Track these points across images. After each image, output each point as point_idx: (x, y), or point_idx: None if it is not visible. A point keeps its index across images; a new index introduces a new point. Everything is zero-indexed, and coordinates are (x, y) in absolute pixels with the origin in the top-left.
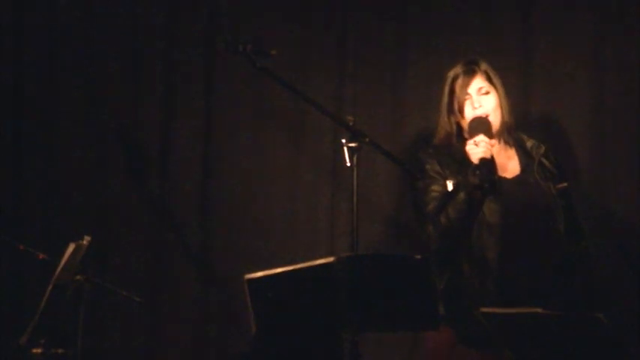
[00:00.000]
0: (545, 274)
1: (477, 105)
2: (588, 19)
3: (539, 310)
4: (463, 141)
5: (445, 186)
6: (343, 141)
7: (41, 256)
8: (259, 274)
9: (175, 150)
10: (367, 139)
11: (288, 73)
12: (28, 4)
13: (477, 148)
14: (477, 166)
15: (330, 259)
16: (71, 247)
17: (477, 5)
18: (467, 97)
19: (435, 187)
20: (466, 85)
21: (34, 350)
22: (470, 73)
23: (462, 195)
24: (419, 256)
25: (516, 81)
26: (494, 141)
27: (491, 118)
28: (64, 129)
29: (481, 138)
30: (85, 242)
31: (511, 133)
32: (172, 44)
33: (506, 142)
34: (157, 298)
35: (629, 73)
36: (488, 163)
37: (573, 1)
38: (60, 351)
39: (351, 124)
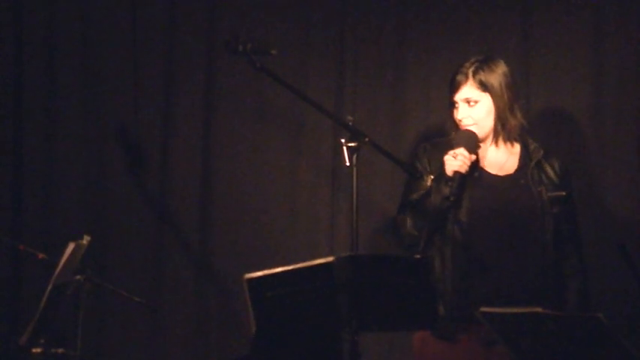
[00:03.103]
0: (522, 276)
1: (461, 116)
2: (588, 19)
3: (539, 310)
4: None
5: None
6: (343, 141)
7: (41, 256)
8: (259, 274)
9: (175, 150)
10: (367, 139)
11: (288, 73)
12: (28, 4)
13: (454, 161)
14: (449, 178)
15: (330, 259)
16: (71, 247)
17: (477, 5)
18: (456, 104)
19: (417, 185)
20: (453, 93)
21: (34, 350)
22: (459, 82)
23: (429, 200)
24: (419, 256)
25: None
26: (474, 156)
27: (478, 127)
28: (64, 129)
29: (460, 151)
30: (85, 242)
31: (516, 132)
32: (172, 44)
33: (507, 141)
34: (157, 298)
35: (629, 73)
36: (460, 178)
37: (573, 1)
38: (60, 351)
39: (350, 124)
